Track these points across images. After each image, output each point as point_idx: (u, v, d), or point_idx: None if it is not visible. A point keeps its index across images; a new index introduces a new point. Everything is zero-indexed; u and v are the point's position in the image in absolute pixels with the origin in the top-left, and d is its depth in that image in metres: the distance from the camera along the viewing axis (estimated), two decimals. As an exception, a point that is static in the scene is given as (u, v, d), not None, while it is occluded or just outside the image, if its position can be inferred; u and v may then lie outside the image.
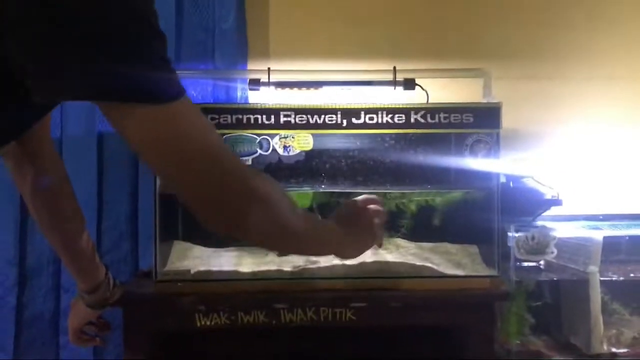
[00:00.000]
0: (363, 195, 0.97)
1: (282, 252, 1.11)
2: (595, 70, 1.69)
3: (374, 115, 1.24)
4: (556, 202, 1.38)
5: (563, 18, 1.70)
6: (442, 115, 1.24)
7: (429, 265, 1.25)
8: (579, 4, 1.70)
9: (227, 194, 0.68)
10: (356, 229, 0.93)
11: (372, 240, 0.96)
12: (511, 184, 1.42)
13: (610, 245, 1.38)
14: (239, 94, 1.62)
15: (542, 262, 1.40)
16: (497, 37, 1.69)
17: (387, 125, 1.24)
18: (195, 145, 0.65)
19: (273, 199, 0.72)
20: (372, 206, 0.96)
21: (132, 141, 0.64)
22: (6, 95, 0.65)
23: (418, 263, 1.25)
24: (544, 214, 1.43)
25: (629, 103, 1.69)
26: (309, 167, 1.28)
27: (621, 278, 1.30)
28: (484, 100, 1.33)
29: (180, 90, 0.64)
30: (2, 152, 0.97)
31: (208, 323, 1.18)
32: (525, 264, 1.37)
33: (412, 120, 1.24)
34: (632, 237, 1.43)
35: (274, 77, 1.33)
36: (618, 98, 1.68)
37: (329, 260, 1.24)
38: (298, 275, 1.22)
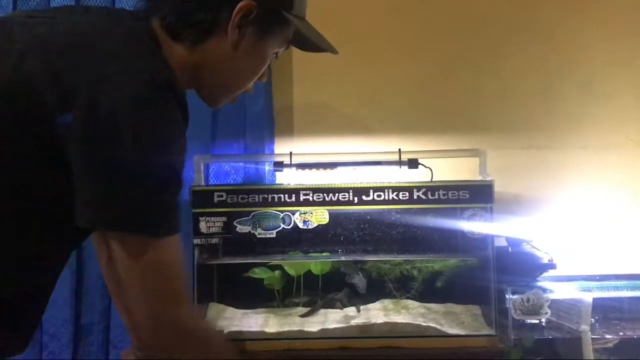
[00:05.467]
0: None
1: None
2: (589, 139, 1.85)
3: (382, 193, 1.42)
4: (551, 265, 1.53)
5: (559, 92, 1.87)
6: (441, 192, 1.42)
7: (433, 325, 1.40)
8: (572, 79, 1.87)
9: (176, 327, 0.81)
10: None
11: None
12: (510, 249, 1.58)
13: (604, 305, 1.50)
14: (266, 168, 1.84)
15: (543, 320, 1.54)
16: (498, 111, 1.87)
17: (393, 202, 1.42)
18: (166, 278, 0.79)
19: (207, 337, 0.91)
20: None
21: (122, 263, 0.77)
22: None
23: (423, 324, 1.40)
24: (544, 275, 1.58)
25: (622, 169, 1.83)
26: (325, 238, 1.46)
27: (611, 336, 1.43)
28: (480, 177, 1.50)
29: (176, 228, 0.78)
30: None
31: (238, 379, 1.35)
32: (529, 321, 1.51)
33: (415, 196, 1.42)
34: (629, 298, 1.55)
35: (296, 160, 1.54)
36: (612, 164, 1.83)
37: (345, 322, 1.41)
38: (316, 335, 1.38)
